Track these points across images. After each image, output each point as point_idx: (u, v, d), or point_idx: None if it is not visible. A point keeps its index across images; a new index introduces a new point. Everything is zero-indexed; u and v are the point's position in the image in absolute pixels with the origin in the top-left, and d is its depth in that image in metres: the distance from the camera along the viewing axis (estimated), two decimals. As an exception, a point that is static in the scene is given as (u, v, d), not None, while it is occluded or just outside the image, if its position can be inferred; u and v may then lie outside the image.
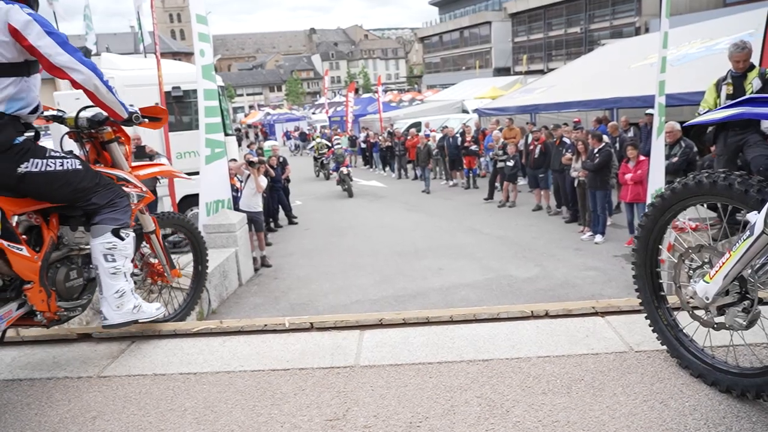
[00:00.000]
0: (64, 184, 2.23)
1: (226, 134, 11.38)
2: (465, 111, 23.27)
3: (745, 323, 1.80)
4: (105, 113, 2.44)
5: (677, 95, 9.10)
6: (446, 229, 10.94)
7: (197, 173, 8.63)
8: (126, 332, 2.68)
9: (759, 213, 1.68)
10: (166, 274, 3.10)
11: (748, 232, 1.71)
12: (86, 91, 2.24)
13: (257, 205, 9.27)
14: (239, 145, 34.22)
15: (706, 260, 1.95)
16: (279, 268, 9.33)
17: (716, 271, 1.82)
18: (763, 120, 4.76)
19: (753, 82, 4.93)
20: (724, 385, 1.87)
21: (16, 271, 2.10)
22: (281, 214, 12.60)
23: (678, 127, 7.79)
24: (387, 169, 19.83)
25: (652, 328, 2.15)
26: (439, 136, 16.21)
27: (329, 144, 19.83)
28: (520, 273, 7.99)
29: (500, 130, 13.82)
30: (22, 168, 2.11)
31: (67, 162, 2.26)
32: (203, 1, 8.43)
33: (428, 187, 15.21)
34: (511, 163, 11.94)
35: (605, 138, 9.23)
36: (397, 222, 12.03)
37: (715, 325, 1.92)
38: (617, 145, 10.00)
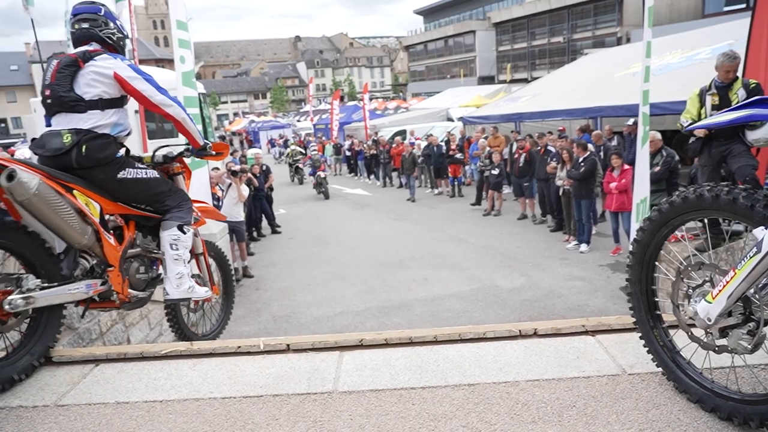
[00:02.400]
0: (147, 188, 2.88)
1: (208, 142, 11.22)
2: (450, 119, 23.30)
3: (750, 346, 1.70)
4: (176, 152, 3.18)
5: (660, 104, 9.14)
6: (431, 238, 10.84)
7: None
8: (89, 355, 2.51)
9: (767, 229, 1.59)
10: None
11: (754, 249, 1.62)
12: (175, 121, 2.91)
13: (238, 215, 9.07)
14: None
15: (707, 278, 1.85)
16: (261, 278, 9.14)
17: (720, 291, 1.72)
18: (747, 131, 4.73)
19: (738, 93, 4.91)
20: (726, 412, 1.75)
21: (105, 254, 2.69)
22: (264, 223, 12.41)
23: (659, 136, 7.80)
24: (372, 177, 19.73)
25: (647, 348, 2.04)
26: (423, 144, 16.17)
27: (303, 151, 21.39)
28: (506, 283, 7.90)
29: (485, 138, 13.81)
30: (120, 174, 2.75)
31: (149, 172, 2.90)
32: (184, 7, 8.26)
33: (413, 196, 15.14)
34: (496, 172, 11.91)
35: (590, 147, 9.23)
36: (381, 231, 11.91)
37: (717, 348, 1.81)
38: (601, 153, 10.02)
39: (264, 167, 13.55)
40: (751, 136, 5.16)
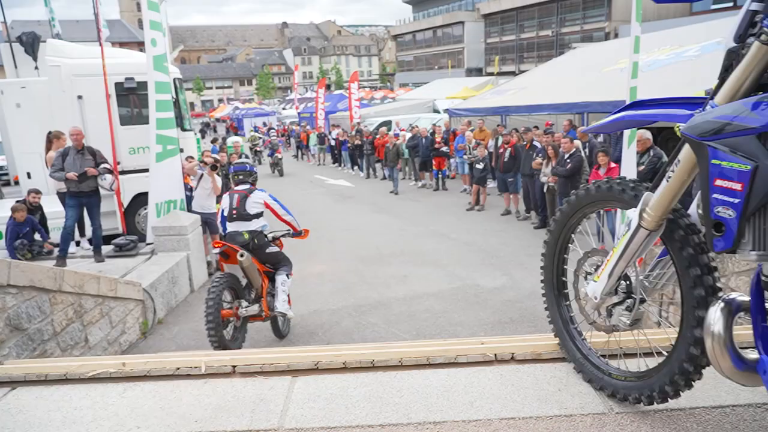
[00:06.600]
0: (276, 257, 5.54)
1: (184, 129, 10.76)
2: (436, 111, 23.00)
3: (628, 321, 1.82)
4: (279, 234, 5.70)
5: (648, 101, 8.94)
6: (413, 233, 10.58)
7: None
8: (5, 376, 2.19)
9: (635, 209, 1.72)
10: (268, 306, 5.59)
11: (626, 228, 1.76)
12: (288, 223, 5.63)
13: (211, 207, 8.70)
14: (203, 137, 33.96)
15: (599, 263, 1.95)
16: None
17: (602, 270, 1.86)
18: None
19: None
20: (610, 390, 1.87)
21: (262, 290, 5.35)
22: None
23: (648, 135, 7.59)
24: (356, 168, 19.39)
25: (573, 366, 2.07)
26: (408, 135, 15.86)
27: (262, 137, 25.56)
28: (487, 282, 7.68)
29: (471, 131, 13.56)
30: (268, 250, 5.42)
31: (276, 248, 5.55)
32: (155, -13, 7.83)
33: (396, 188, 14.85)
34: (480, 166, 11.67)
35: (576, 143, 9.01)
36: (362, 225, 11.62)
37: (607, 328, 1.93)
38: (587, 150, 9.82)
39: (243, 156, 13.16)
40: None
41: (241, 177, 5.45)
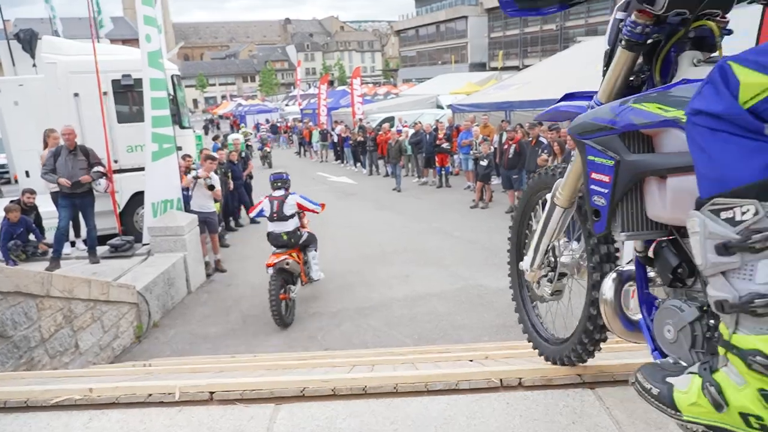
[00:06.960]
0: (308, 239, 6.71)
1: (183, 127, 10.56)
2: (439, 106, 22.73)
3: (550, 291, 2.00)
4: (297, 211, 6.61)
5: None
6: (416, 231, 10.37)
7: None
8: (-38, 402, 1.99)
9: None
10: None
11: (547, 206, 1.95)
12: (310, 210, 6.67)
13: (210, 206, 8.51)
14: (206, 133, 34.05)
15: None
16: (234, 273, 8.62)
17: (530, 244, 2.06)
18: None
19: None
20: (541, 350, 2.19)
21: (301, 269, 6.70)
22: (243, 212, 11.85)
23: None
24: (358, 164, 19.17)
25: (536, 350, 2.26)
26: (411, 131, 15.61)
27: (252, 132, 27.66)
28: (491, 282, 7.45)
29: (477, 126, 13.32)
30: (302, 240, 6.57)
31: (306, 233, 6.78)
32: (149, -20, 7.62)
33: (399, 185, 14.61)
34: (484, 163, 11.43)
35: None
36: (364, 222, 11.41)
37: (540, 299, 2.13)
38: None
39: (243, 154, 12.99)
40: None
41: (279, 184, 6.57)
